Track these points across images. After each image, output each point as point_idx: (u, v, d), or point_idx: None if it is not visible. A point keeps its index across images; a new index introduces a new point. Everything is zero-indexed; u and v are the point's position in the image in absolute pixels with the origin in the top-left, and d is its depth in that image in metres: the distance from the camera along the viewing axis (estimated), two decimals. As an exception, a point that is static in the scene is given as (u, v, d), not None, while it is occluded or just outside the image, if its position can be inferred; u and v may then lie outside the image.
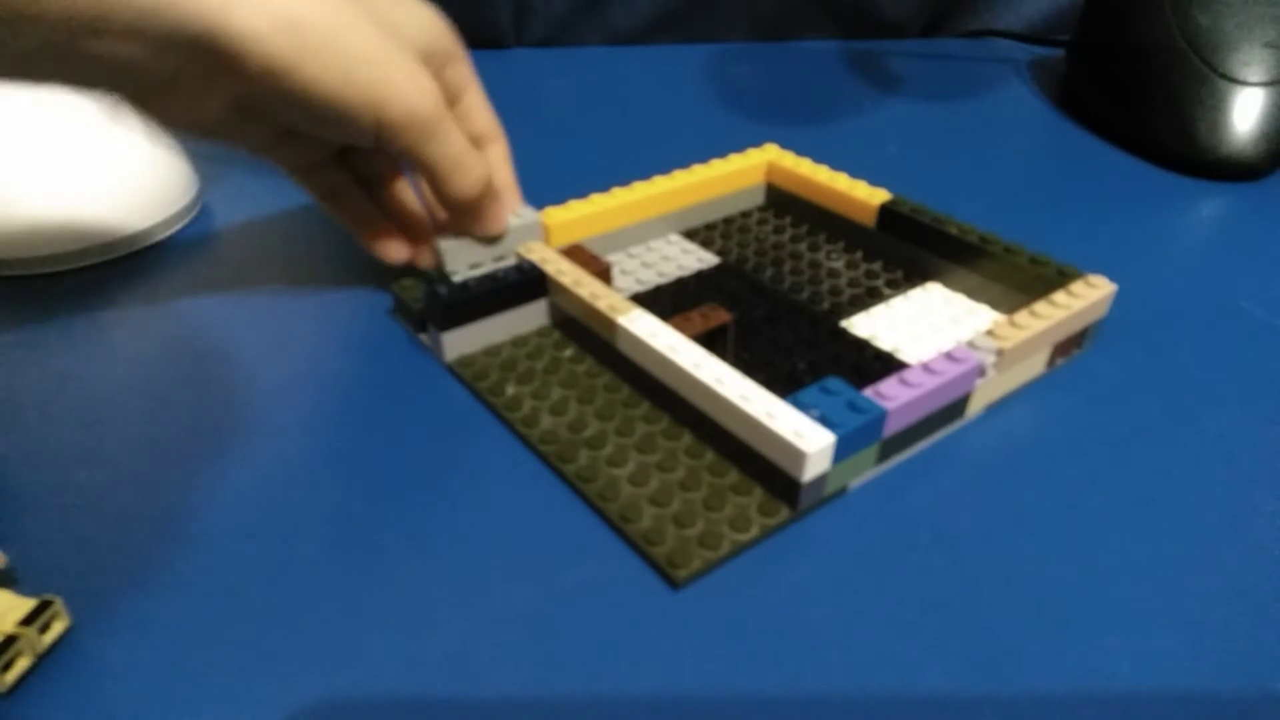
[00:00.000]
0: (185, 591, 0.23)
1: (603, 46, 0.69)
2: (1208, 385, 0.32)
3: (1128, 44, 0.52)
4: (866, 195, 0.38)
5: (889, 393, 0.26)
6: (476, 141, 0.33)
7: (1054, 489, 0.27)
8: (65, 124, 0.38)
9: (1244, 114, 0.47)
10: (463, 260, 0.33)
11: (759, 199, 0.42)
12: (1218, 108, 0.47)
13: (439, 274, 0.32)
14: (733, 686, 0.21)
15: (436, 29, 0.31)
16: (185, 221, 0.42)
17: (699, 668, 0.22)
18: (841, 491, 0.26)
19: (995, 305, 0.34)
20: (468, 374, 0.31)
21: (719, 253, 0.38)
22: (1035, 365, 0.31)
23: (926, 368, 0.27)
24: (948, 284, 0.36)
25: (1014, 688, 0.21)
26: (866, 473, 0.27)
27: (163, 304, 0.36)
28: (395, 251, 0.34)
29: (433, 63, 0.30)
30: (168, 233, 0.41)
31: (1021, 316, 0.29)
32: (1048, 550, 0.25)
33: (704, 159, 0.41)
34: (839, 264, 0.38)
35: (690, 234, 0.40)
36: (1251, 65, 0.47)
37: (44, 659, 0.22)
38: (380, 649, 0.22)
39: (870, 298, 0.35)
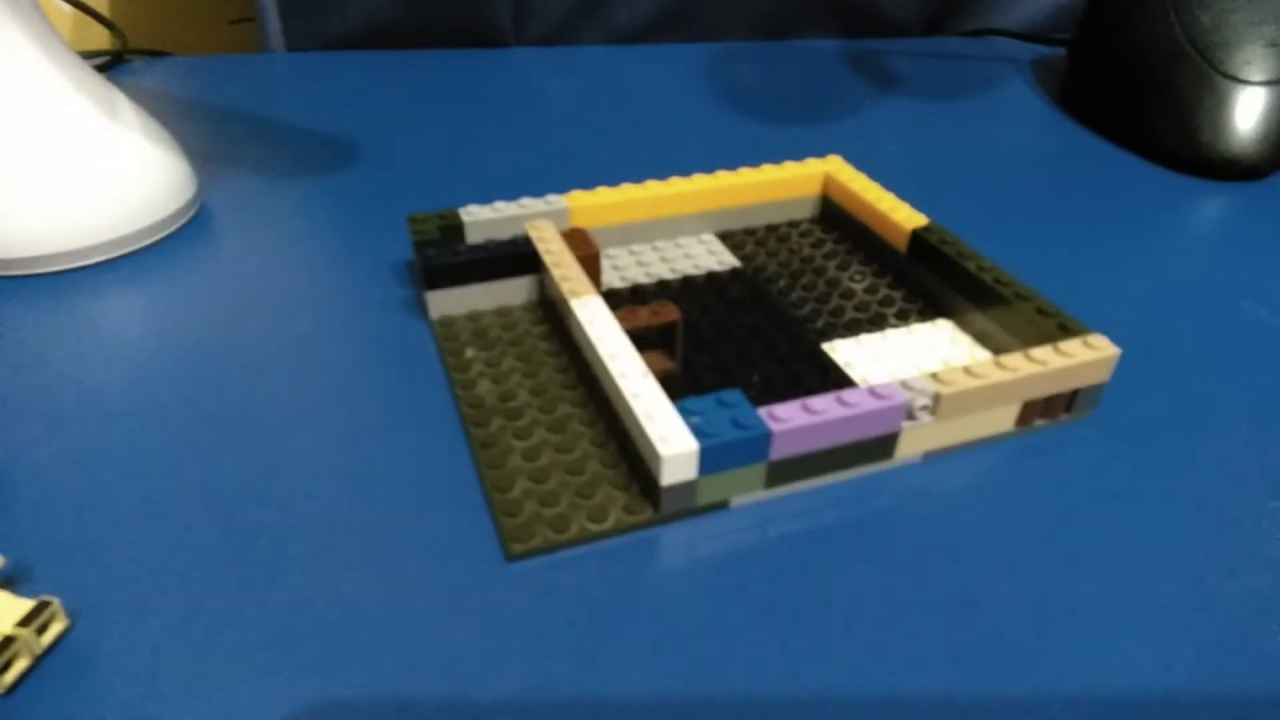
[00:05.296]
0: (184, 591, 0.23)
1: (603, 46, 0.68)
2: (1207, 385, 0.31)
3: (1129, 43, 0.50)
4: (904, 219, 0.36)
5: (783, 415, 0.25)
6: None
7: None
8: (64, 123, 0.37)
9: (1246, 113, 0.46)
10: (481, 233, 0.35)
11: (811, 210, 0.41)
12: (1219, 107, 0.46)
13: (453, 238, 0.35)
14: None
15: None
16: (185, 221, 0.41)
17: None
18: (723, 505, 0.26)
19: (998, 353, 0.32)
20: (441, 334, 0.33)
21: (743, 258, 0.38)
22: (1000, 420, 0.28)
23: (839, 399, 0.26)
24: (960, 323, 0.34)
25: (1014, 692, 0.21)
26: (754, 492, 0.26)
27: (163, 304, 0.35)
28: None
29: None
30: (167, 232, 0.40)
31: (982, 365, 0.27)
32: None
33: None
34: (860, 286, 0.36)
35: (725, 236, 0.40)
36: (1254, 64, 0.47)
37: (42, 660, 0.22)
38: (375, 646, 0.22)
39: (871, 325, 0.34)
